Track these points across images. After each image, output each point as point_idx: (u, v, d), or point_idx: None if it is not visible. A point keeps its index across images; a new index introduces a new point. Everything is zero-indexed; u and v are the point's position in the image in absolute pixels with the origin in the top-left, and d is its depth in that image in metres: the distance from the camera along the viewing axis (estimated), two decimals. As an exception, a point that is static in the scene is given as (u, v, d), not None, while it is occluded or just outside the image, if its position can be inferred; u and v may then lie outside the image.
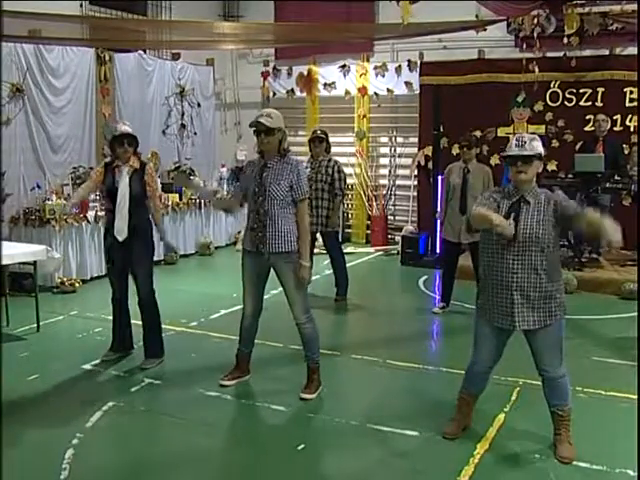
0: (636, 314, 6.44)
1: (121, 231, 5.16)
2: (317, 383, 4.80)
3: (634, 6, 8.85)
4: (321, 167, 7.11)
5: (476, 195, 6.56)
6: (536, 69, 9.52)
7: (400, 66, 10.72)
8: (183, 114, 10.73)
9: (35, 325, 6.23)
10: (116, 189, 5.12)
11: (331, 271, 7.62)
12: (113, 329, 5.55)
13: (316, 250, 7.52)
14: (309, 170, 7.05)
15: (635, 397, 4.56)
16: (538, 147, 3.76)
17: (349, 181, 11.19)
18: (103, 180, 5.22)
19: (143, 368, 5.24)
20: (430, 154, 10.17)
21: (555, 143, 9.54)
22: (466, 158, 6.72)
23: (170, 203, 9.50)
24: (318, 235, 7.34)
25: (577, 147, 9.05)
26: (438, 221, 7.60)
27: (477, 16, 9.34)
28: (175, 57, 10.72)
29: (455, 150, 9.85)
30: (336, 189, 7.09)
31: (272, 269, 4.72)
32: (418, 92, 10.52)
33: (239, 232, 10.21)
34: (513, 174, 3.79)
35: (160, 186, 5.37)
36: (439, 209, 7.33)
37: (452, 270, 6.97)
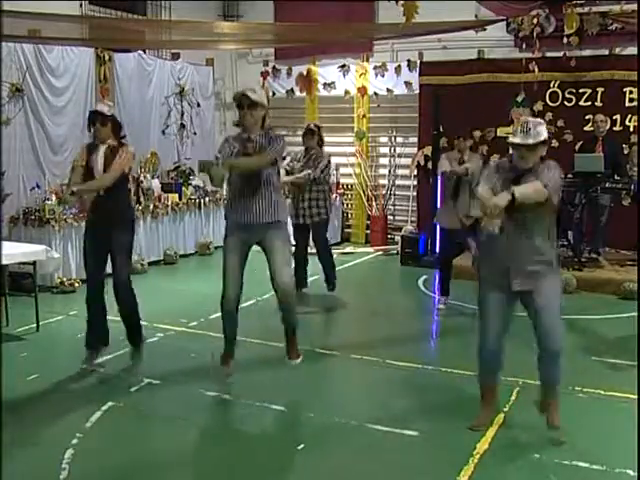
0: (635, 314, 6.44)
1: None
2: (297, 345, 4.81)
3: (634, 6, 8.84)
4: (310, 160, 7.13)
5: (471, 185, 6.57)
6: (536, 69, 9.52)
7: (400, 66, 10.72)
8: (183, 114, 10.72)
9: (34, 325, 6.22)
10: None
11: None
12: (88, 327, 5.38)
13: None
14: (300, 164, 7.11)
15: (634, 397, 4.56)
16: (543, 132, 3.88)
17: (348, 181, 11.30)
18: (87, 161, 5.10)
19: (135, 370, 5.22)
20: (430, 154, 10.17)
21: (555, 143, 9.52)
22: (461, 148, 6.74)
23: (170, 203, 9.50)
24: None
25: (577, 147, 9.04)
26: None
27: (476, 16, 9.35)
28: (175, 57, 10.71)
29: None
30: (316, 172, 7.07)
31: (257, 243, 4.69)
32: (418, 92, 10.52)
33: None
34: (516, 158, 3.93)
35: (131, 169, 5.26)
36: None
37: (448, 261, 6.97)
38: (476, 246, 5.80)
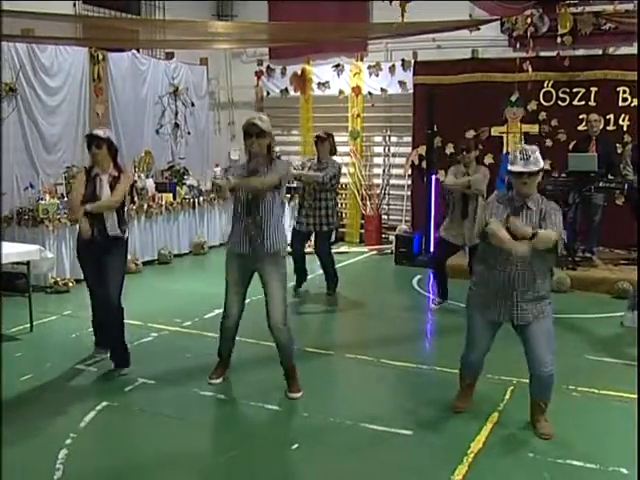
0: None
1: (114, 229, 5.14)
2: (298, 380, 4.82)
3: (627, 6, 8.88)
4: (321, 169, 7.12)
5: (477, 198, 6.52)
6: (529, 69, 9.54)
7: (394, 65, 10.73)
8: (177, 113, 10.71)
9: (28, 325, 6.21)
10: (98, 198, 5.07)
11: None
12: (95, 329, 5.54)
13: (308, 249, 7.58)
14: (312, 170, 7.12)
15: (631, 396, 4.58)
16: (541, 159, 3.95)
17: (343, 180, 11.22)
18: (85, 187, 5.13)
19: (121, 374, 5.16)
20: (424, 153, 10.18)
21: (548, 142, 9.56)
22: (466, 162, 6.68)
23: (164, 203, 9.48)
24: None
25: (570, 146, 9.06)
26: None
27: (471, 16, 9.36)
28: (169, 56, 10.70)
29: (449, 149, 9.88)
30: (325, 178, 7.07)
31: (257, 272, 4.72)
32: (412, 91, 10.53)
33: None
34: (517, 185, 3.97)
35: (129, 190, 5.42)
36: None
37: (444, 266, 6.99)
38: (470, 271, 5.78)
